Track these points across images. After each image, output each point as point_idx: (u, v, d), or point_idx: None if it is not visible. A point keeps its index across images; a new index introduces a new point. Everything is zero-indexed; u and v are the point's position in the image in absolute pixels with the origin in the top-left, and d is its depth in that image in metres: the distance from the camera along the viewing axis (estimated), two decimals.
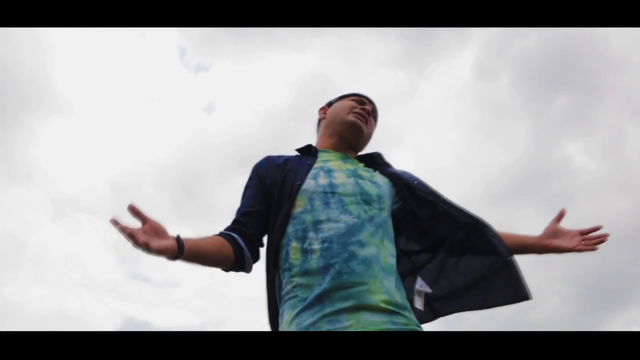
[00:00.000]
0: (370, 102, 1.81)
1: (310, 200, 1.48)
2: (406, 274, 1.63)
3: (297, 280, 1.39)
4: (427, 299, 1.61)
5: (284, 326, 1.38)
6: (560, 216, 1.65)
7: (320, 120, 1.84)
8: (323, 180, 1.52)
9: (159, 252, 1.22)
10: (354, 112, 1.73)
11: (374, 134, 1.81)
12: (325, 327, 1.30)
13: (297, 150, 1.71)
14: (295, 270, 1.41)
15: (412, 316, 1.40)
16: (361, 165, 1.68)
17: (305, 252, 1.41)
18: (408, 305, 1.43)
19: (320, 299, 1.33)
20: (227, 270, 1.49)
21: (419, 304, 1.57)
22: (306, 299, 1.35)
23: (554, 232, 1.62)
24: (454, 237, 1.58)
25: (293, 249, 1.43)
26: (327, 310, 1.32)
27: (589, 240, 1.59)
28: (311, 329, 1.31)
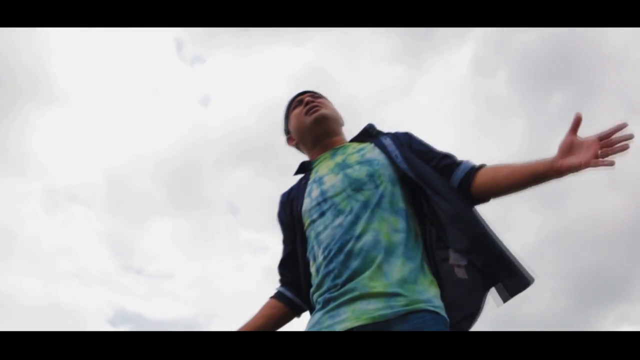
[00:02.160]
0: (303, 92, 1.76)
1: (310, 216, 1.50)
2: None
3: (316, 294, 1.44)
4: (474, 265, 1.39)
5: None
6: (576, 125, 1.28)
7: (295, 146, 1.81)
8: (315, 192, 1.53)
9: None
10: (306, 114, 1.68)
11: (335, 109, 1.75)
12: (326, 322, 1.34)
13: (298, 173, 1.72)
14: (314, 287, 1.46)
15: (421, 292, 1.32)
16: (352, 146, 1.62)
17: (317, 266, 1.45)
18: (418, 278, 1.34)
19: (327, 301, 1.38)
20: (297, 317, 1.61)
21: (461, 273, 1.41)
22: (320, 302, 1.40)
23: (569, 148, 1.27)
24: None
25: (312, 268, 1.49)
26: (331, 305, 1.36)
27: (607, 150, 1.22)
28: (316, 326, 1.36)
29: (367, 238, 1.37)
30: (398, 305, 1.29)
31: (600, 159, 1.21)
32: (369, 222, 1.40)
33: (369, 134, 1.67)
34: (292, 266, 1.59)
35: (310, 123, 1.66)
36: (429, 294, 1.33)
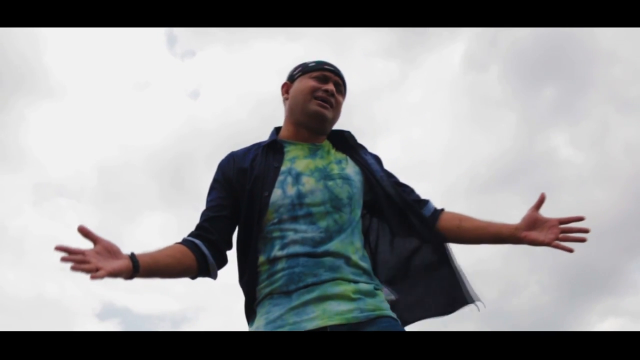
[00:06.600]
0: (335, 72, 1.59)
1: (278, 213, 1.44)
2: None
3: (266, 290, 1.41)
4: (393, 305, 1.52)
5: (256, 322, 1.42)
6: (540, 203, 1.47)
7: (284, 99, 1.64)
8: (291, 189, 1.45)
9: (113, 274, 1.20)
10: (316, 98, 1.53)
11: (341, 108, 1.61)
12: (292, 319, 1.33)
13: (264, 143, 1.58)
14: (264, 282, 1.42)
15: (382, 302, 1.42)
16: (332, 152, 1.57)
17: (273, 268, 1.41)
18: (378, 292, 1.43)
19: (288, 294, 1.37)
20: (193, 278, 1.46)
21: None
22: (276, 298, 1.39)
23: (532, 222, 1.46)
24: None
25: (261, 263, 1.44)
26: (295, 303, 1.35)
27: (567, 235, 1.43)
28: (278, 322, 1.34)
29: (338, 260, 1.40)
30: (367, 309, 1.36)
31: (561, 243, 1.43)
32: (341, 244, 1.42)
33: (345, 141, 1.61)
34: (222, 229, 1.49)
35: (310, 112, 1.54)
36: (387, 304, 1.44)
